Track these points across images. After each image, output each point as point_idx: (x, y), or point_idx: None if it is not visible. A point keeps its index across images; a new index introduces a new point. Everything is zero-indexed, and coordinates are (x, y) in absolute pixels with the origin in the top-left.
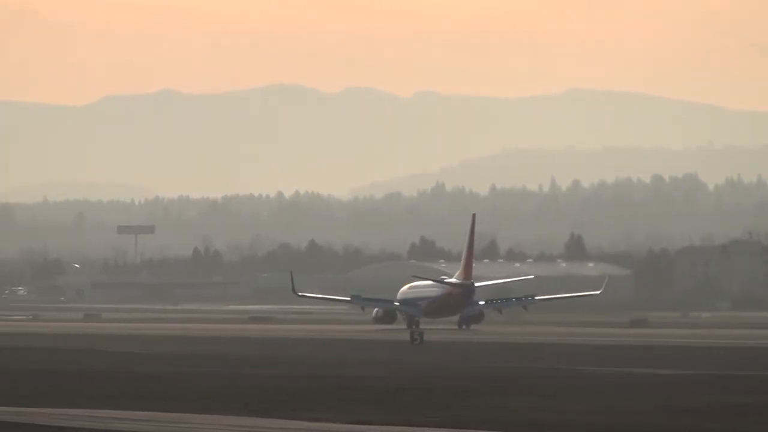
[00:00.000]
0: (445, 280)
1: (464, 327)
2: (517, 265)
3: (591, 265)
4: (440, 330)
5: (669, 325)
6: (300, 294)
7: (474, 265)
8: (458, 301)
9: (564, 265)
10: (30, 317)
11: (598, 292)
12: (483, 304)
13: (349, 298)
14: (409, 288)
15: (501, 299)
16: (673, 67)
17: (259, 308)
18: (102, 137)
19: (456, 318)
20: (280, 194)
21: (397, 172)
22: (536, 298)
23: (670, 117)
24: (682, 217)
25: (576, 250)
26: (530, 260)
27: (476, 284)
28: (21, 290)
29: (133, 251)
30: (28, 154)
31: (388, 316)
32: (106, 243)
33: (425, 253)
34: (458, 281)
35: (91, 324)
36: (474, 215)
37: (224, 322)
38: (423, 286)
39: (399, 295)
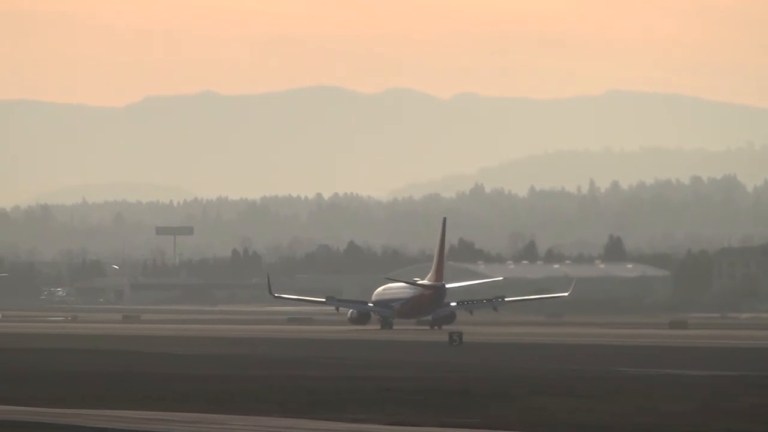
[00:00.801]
0: (417, 282)
1: (436, 327)
2: (556, 266)
3: (630, 266)
4: (473, 331)
5: (708, 326)
6: (276, 295)
7: (512, 266)
8: (430, 302)
9: (603, 266)
10: (69, 318)
11: (566, 294)
12: (454, 306)
13: (324, 299)
14: (383, 290)
15: (471, 300)
16: (713, 68)
17: (298, 309)
18: (142, 138)
19: (428, 318)
20: (318, 195)
21: (436, 173)
22: (506, 299)
23: (710, 118)
24: (721, 219)
25: (615, 251)
26: (569, 261)
27: (447, 286)
28: (60, 291)
29: (172, 252)
30: (67, 156)
31: (362, 317)
32: (145, 244)
33: (464, 254)
34: (430, 283)
35: (130, 325)
36: (444, 219)
37: (263, 323)
38: (396, 288)
39: (373, 297)
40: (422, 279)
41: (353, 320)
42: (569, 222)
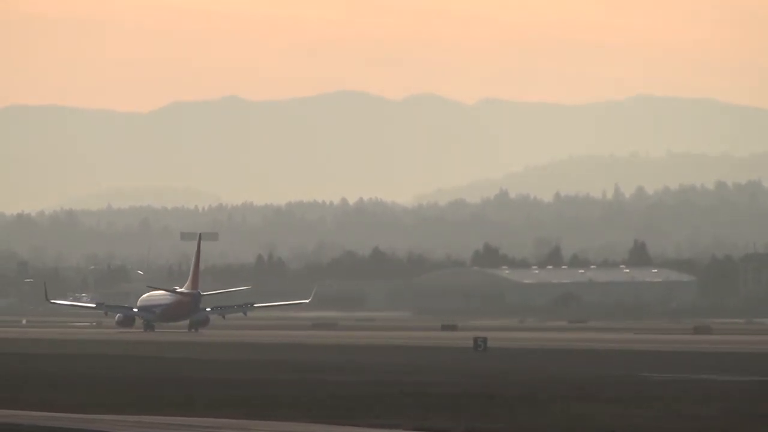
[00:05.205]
0: (177, 290)
1: (193, 330)
2: (581, 271)
3: (655, 271)
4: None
5: (733, 332)
6: (52, 301)
7: (537, 271)
8: (187, 307)
9: (628, 271)
10: (94, 324)
11: (307, 300)
12: (209, 311)
13: (95, 305)
14: (147, 296)
15: (224, 306)
16: (739, 73)
17: (322, 315)
18: (167, 143)
19: (186, 322)
20: (344, 201)
21: (461, 178)
22: (255, 305)
23: (735, 123)
24: (746, 224)
25: (640, 256)
26: (594, 266)
27: (202, 293)
28: (85, 297)
29: None
30: (93, 161)
31: (127, 321)
32: (170, 250)
33: (489, 259)
34: (187, 291)
35: (155, 331)
36: (200, 235)
37: (288, 329)
38: (158, 295)
39: (138, 303)
40: (180, 287)
41: (120, 323)
42: (594, 227)
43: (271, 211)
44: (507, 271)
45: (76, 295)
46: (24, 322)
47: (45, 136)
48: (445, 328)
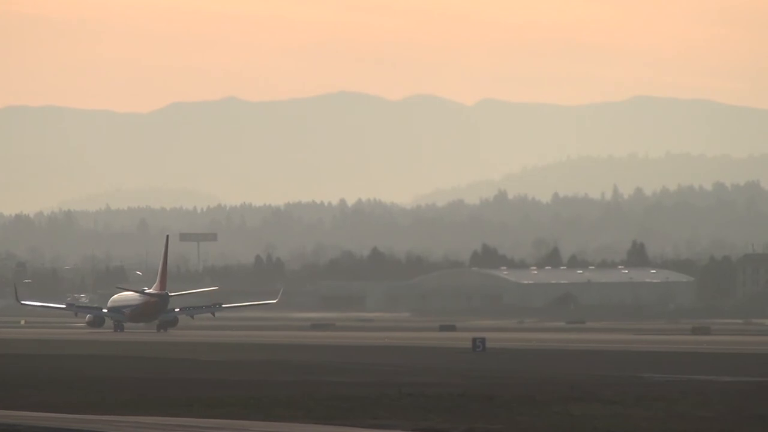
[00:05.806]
0: (145, 291)
1: (162, 330)
2: (580, 272)
3: (653, 272)
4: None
5: (731, 333)
6: (22, 302)
7: (536, 272)
8: (155, 308)
9: (626, 272)
10: None
11: (274, 300)
12: (177, 311)
13: (65, 306)
14: (117, 297)
15: (192, 307)
16: (738, 75)
17: (321, 315)
18: (166, 144)
19: (156, 322)
20: (342, 201)
21: (460, 179)
22: (223, 306)
23: (733, 124)
24: (744, 225)
25: (638, 257)
26: (592, 267)
27: (171, 294)
28: (83, 297)
29: (196, 259)
30: (92, 162)
31: (98, 321)
32: (169, 250)
33: (487, 260)
34: (155, 292)
35: (153, 331)
36: (168, 236)
37: (286, 330)
38: (127, 296)
39: (108, 303)
40: (149, 288)
41: (90, 324)
42: (593, 228)
43: (269, 212)
44: (505, 272)
45: (75, 295)
46: (23, 322)
47: (43, 136)
48: (443, 328)
